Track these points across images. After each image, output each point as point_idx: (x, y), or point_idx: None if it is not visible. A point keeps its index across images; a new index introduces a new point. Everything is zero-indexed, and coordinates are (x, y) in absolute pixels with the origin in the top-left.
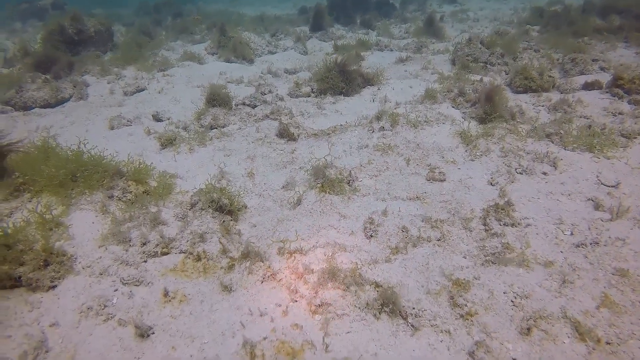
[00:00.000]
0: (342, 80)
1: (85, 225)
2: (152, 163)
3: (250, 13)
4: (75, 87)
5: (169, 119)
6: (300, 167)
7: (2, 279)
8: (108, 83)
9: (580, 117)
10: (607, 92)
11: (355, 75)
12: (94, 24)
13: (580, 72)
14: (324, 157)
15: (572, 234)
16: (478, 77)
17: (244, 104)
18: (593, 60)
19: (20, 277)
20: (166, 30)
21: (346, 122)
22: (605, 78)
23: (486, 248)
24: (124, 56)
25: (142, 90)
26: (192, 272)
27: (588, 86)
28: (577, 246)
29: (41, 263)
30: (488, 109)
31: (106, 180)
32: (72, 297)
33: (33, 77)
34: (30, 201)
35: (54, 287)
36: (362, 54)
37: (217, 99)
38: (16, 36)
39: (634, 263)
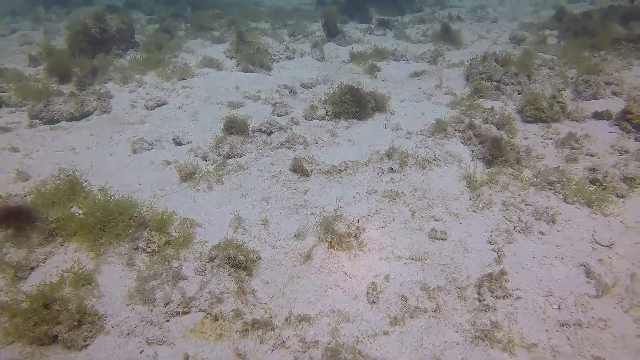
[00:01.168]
0: (355, 104)
1: (113, 280)
2: (174, 210)
3: (268, 1)
4: (99, 99)
5: (188, 143)
6: (312, 213)
7: (41, 338)
8: (130, 92)
9: (587, 154)
10: (616, 125)
11: (369, 99)
12: (116, 23)
13: (592, 96)
14: (333, 210)
15: (559, 308)
16: (489, 105)
17: (260, 130)
18: (606, 84)
19: (57, 336)
20: (185, 25)
21: (357, 160)
22: (617, 104)
23: (477, 324)
24: (145, 61)
25: (163, 104)
26: (210, 334)
27: (598, 116)
28: (562, 325)
29: (75, 323)
30: (494, 152)
31: (132, 230)
32: (104, 358)
33: (58, 85)
34: (62, 245)
35: (86, 345)
36: (378, 64)
37: (234, 126)
38: (40, 25)
39: (611, 350)
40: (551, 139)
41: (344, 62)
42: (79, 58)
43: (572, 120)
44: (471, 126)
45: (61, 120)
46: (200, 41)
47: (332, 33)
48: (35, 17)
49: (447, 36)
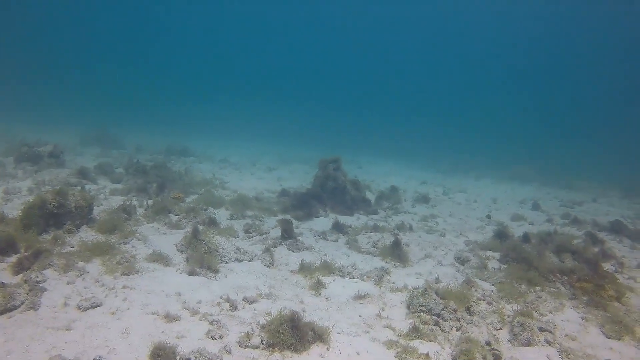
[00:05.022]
0: (292, 336)
1: None
2: None
3: (235, 182)
4: (30, 291)
5: None
6: None
7: None
8: (67, 284)
9: None
10: None
11: (307, 330)
12: (77, 200)
13: (526, 341)
14: None
15: None
16: (425, 349)
17: None
18: (540, 330)
19: None
20: (147, 203)
21: None
22: (550, 354)
23: None
24: (94, 247)
25: (98, 306)
26: None
27: None
28: None
29: None
30: None
31: None
32: None
33: None
34: None
35: None
36: (324, 280)
37: (161, 354)
38: (4, 181)
39: None
40: None
41: (291, 271)
42: (27, 233)
43: None
44: None
45: None
46: (157, 226)
47: (286, 237)
48: (2, 172)
49: (396, 252)
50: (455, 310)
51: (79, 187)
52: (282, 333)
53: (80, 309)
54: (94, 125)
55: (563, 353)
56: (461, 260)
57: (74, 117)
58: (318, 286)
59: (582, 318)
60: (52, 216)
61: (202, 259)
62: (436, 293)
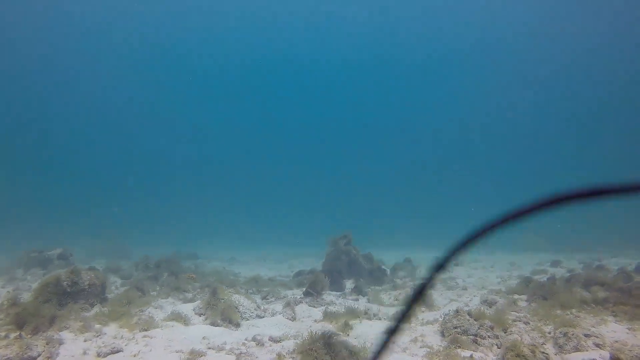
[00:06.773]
0: (327, 353)
1: None
2: None
3: (246, 272)
4: (47, 344)
5: None
6: None
7: None
8: (85, 341)
9: None
10: None
11: (341, 348)
12: (91, 278)
13: (575, 348)
14: None
15: None
16: (468, 354)
17: None
18: (585, 336)
19: None
20: (160, 287)
21: None
22: (602, 356)
23: None
24: (110, 313)
25: (118, 351)
26: None
27: None
28: None
29: None
30: None
31: None
32: None
33: (8, 332)
34: None
35: None
36: (350, 322)
37: None
38: (13, 284)
39: None
40: None
41: (315, 321)
42: (42, 307)
43: None
44: None
45: None
46: (172, 300)
47: (311, 294)
48: (12, 277)
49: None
50: (492, 328)
51: None
52: (316, 351)
53: (99, 355)
54: (99, 237)
55: (617, 351)
56: (488, 303)
57: (76, 235)
58: (345, 328)
59: (629, 329)
60: (66, 295)
61: (222, 313)
62: (469, 314)
